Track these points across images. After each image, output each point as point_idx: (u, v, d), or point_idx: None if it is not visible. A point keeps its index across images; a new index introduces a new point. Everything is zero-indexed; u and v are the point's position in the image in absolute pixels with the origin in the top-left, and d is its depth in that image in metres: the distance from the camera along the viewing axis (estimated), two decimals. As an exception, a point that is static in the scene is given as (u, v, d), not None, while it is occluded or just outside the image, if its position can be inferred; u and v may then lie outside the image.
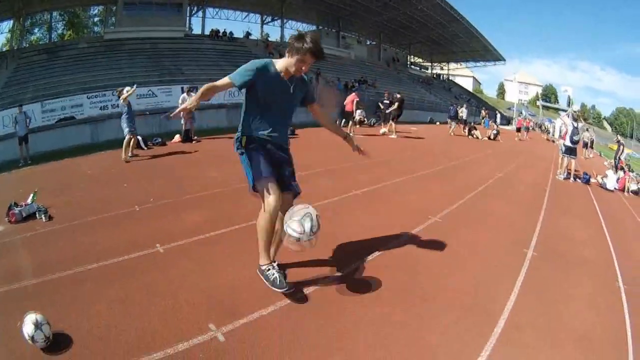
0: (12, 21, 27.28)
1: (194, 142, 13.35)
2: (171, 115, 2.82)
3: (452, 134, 20.60)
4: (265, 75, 2.88)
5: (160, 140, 12.98)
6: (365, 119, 21.28)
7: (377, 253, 4.23)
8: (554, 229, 5.96)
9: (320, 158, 9.95)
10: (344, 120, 15.89)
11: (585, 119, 15.30)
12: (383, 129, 17.71)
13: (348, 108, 15.89)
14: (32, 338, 2.58)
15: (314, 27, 41.03)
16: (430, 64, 54.75)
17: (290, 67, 2.89)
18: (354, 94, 16.83)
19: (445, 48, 46.94)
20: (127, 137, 10.26)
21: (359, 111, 21.47)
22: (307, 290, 3.35)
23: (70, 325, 2.80)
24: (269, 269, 3.00)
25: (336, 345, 2.68)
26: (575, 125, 11.03)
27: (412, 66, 51.90)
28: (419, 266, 4.06)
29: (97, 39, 27.72)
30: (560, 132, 18.27)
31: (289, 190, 3.10)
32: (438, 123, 27.98)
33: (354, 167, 8.99)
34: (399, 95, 17.72)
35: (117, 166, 9.61)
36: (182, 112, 2.81)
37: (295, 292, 3.19)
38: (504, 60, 47.36)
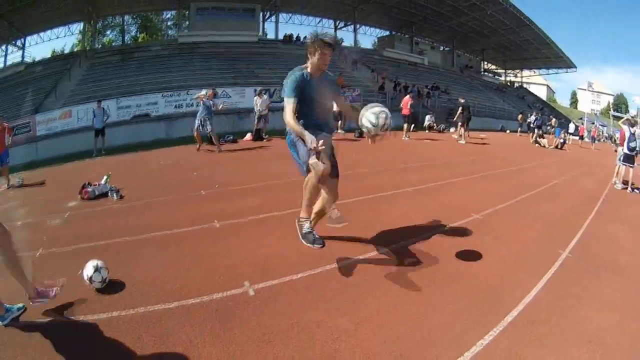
0: (82, 23, 30.13)
1: (264, 140, 13.68)
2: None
3: (538, 144, 19.60)
4: (304, 80, 3.39)
5: (232, 137, 13.50)
6: (435, 124, 20.99)
7: (409, 240, 4.34)
8: (597, 235, 5.62)
9: (383, 158, 10.08)
10: (405, 124, 15.92)
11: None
12: (455, 135, 17.25)
13: (404, 112, 15.84)
14: (90, 279, 3.05)
15: (387, 33, 41.13)
16: (503, 70, 52.90)
17: (316, 64, 3.40)
18: (407, 96, 16.65)
19: (517, 54, 45.10)
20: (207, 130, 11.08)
21: (428, 116, 21.30)
22: (336, 264, 3.66)
23: (126, 274, 3.36)
24: (306, 222, 3.41)
25: (348, 308, 2.98)
26: (633, 131, 10.23)
27: (486, 73, 50.32)
28: (445, 253, 4.08)
29: (171, 42, 29.44)
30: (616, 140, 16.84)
31: (336, 175, 3.49)
32: (508, 131, 26.92)
33: (411, 167, 9.26)
34: (462, 101, 17.21)
35: (189, 158, 10.28)
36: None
37: (324, 263, 3.63)
38: (575, 67, 44.58)
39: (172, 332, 2.58)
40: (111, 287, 3.11)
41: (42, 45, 49.94)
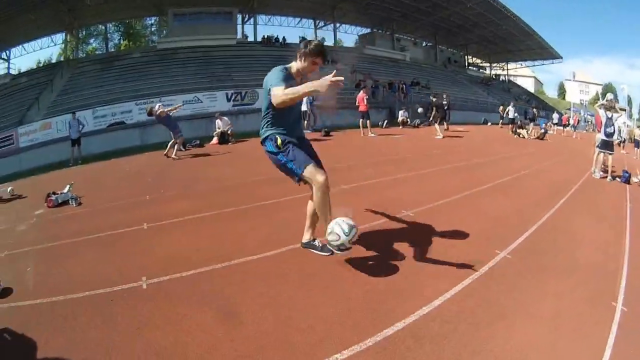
0: (64, 33, 31.37)
1: (229, 144, 14.94)
2: None
3: (518, 135, 20.21)
4: (287, 79, 3.29)
5: (198, 142, 14.76)
6: (409, 120, 21.68)
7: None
8: (555, 230, 5.33)
9: (340, 155, 10.68)
10: (362, 120, 16.38)
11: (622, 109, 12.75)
12: (437, 135, 17.42)
13: (361, 108, 16.23)
14: None
15: (368, 30, 42.15)
16: (488, 64, 53.95)
17: (303, 70, 3.44)
18: (361, 92, 16.95)
19: (501, 47, 46.00)
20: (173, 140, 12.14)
21: (401, 112, 21.97)
22: (226, 264, 3.96)
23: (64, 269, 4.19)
24: (315, 241, 3.94)
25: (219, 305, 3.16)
26: (609, 115, 9.92)
27: (471, 67, 51.41)
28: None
29: (151, 49, 30.55)
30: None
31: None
32: (490, 124, 27.94)
33: (364, 164, 9.63)
34: (434, 100, 18.17)
35: (152, 165, 11.36)
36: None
37: (214, 263, 3.90)
38: (561, 57, 45.51)
39: (75, 316, 3.05)
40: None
41: (27, 57, 51.48)
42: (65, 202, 7.50)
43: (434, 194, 6.45)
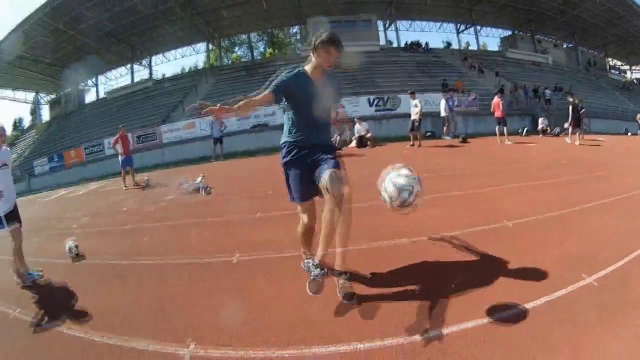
0: (206, 43, 35.26)
1: (367, 147, 14.71)
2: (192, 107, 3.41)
3: None
4: (297, 81, 3.11)
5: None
6: (549, 128, 19.77)
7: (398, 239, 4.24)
8: None
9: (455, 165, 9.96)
10: (499, 127, 15.13)
11: None
12: (567, 139, 15.82)
13: (497, 114, 15.00)
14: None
15: (510, 32, 39.59)
16: (628, 67, 47.16)
17: (319, 63, 3.13)
18: (496, 97, 15.55)
19: (635, 46, 40.09)
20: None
21: (540, 119, 20.00)
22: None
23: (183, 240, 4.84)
24: (307, 260, 3.25)
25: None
26: None
27: (612, 70, 45.41)
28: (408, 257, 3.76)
29: (294, 56, 32.09)
30: None
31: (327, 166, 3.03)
32: (629, 134, 24.35)
33: (487, 172, 8.89)
34: (570, 100, 16.09)
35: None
36: (213, 114, 3.08)
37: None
38: None
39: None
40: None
41: (167, 64, 58.80)
42: (196, 191, 8.09)
43: (540, 206, 5.73)
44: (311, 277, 2.95)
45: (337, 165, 3.00)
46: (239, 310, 2.92)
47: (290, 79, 3.09)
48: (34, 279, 4.08)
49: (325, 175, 2.87)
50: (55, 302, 3.55)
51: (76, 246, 4.64)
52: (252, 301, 3.10)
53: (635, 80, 45.29)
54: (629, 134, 24.56)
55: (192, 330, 2.71)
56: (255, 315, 2.84)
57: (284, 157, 3.21)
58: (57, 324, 3.06)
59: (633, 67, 46.90)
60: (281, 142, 3.25)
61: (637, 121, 22.84)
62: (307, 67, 3.19)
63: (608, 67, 44.56)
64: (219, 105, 2.96)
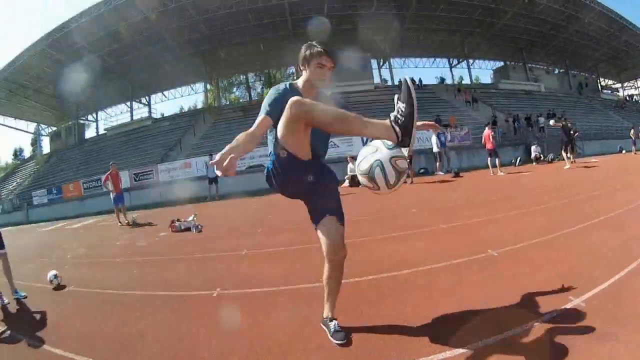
0: (204, 83, 36.42)
1: (360, 186, 14.88)
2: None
3: None
4: (292, 94, 2.47)
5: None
6: (542, 155, 19.98)
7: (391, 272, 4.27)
8: None
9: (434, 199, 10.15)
10: (490, 159, 15.45)
11: None
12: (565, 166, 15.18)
13: (488, 147, 15.31)
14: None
15: (502, 64, 41.02)
16: (620, 85, 48.10)
17: (310, 79, 2.69)
18: (487, 129, 15.90)
19: (627, 62, 41.04)
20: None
21: (533, 147, 20.29)
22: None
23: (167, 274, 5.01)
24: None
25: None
26: None
27: (605, 90, 46.29)
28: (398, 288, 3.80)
29: (291, 97, 33.10)
30: None
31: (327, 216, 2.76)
32: (624, 152, 24.56)
33: (475, 204, 8.53)
34: (563, 123, 16.15)
35: (272, 204, 12.08)
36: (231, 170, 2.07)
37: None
38: None
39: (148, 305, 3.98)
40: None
41: (166, 103, 60.33)
42: (187, 229, 8.34)
43: (527, 233, 5.57)
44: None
45: (340, 219, 2.78)
46: (214, 340, 3.03)
47: (282, 96, 2.53)
48: (19, 299, 4.43)
49: (323, 237, 2.68)
50: (40, 323, 3.76)
51: (55, 276, 4.87)
52: (229, 332, 3.20)
53: (627, 97, 46.05)
54: (624, 152, 24.81)
55: (169, 356, 2.87)
56: (230, 345, 2.94)
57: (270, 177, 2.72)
58: (40, 343, 3.23)
59: (625, 84, 47.92)
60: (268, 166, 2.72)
61: (631, 137, 23.08)
62: (299, 81, 2.76)
63: (600, 88, 45.48)
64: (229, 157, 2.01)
